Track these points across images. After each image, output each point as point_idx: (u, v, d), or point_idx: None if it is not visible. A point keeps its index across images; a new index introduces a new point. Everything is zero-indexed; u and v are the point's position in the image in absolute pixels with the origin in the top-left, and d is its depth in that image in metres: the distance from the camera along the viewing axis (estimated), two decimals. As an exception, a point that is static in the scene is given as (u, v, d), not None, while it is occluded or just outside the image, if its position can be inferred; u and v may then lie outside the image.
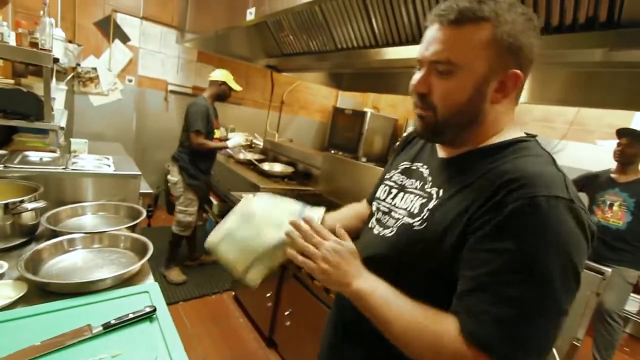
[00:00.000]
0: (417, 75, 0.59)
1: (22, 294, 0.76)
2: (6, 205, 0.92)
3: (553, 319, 0.48)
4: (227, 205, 3.05)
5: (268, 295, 1.86)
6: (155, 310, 0.76)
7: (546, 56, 1.43)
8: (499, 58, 0.53)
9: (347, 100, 5.10)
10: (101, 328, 0.68)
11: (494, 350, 0.47)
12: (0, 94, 1.35)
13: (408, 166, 0.73)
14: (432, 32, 0.56)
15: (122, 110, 3.29)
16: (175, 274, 2.47)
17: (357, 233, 0.79)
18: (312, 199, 2.45)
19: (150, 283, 0.90)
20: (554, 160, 0.56)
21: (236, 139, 2.51)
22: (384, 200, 0.73)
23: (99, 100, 3.12)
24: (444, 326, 0.51)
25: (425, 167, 0.68)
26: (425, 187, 0.64)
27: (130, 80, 3.27)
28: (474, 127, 0.58)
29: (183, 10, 3.26)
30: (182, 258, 2.69)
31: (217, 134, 2.57)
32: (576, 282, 0.49)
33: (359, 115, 4.49)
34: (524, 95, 1.84)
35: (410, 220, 0.61)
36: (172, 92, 3.54)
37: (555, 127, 2.87)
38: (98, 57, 3.04)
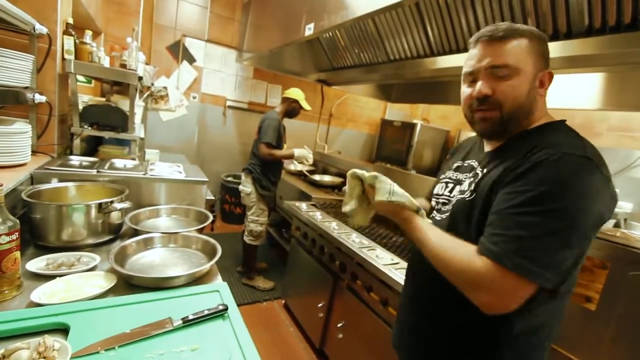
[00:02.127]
0: (467, 89, 0.75)
1: (112, 284, 0.83)
2: (100, 204, 1.03)
3: (561, 244, 0.58)
4: (278, 215, 3.14)
5: (320, 305, 1.84)
6: (227, 308, 0.79)
7: (623, 56, 1.28)
8: (537, 61, 0.69)
9: (396, 112, 5.02)
10: (181, 322, 0.72)
11: (501, 260, 0.59)
12: (95, 109, 1.55)
13: (460, 164, 0.86)
14: (481, 49, 0.71)
15: (186, 124, 3.58)
16: (262, 282, 2.60)
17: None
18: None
19: (219, 283, 0.94)
20: (578, 134, 0.68)
21: (303, 151, 2.61)
22: (442, 194, 0.85)
23: (167, 115, 3.44)
24: (467, 246, 0.66)
25: (474, 161, 0.81)
26: (476, 171, 0.77)
27: (194, 97, 3.56)
28: (528, 117, 0.71)
29: (242, 32, 3.51)
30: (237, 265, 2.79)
31: (284, 148, 2.69)
32: (591, 226, 0.60)
33: (409, 127, 4.39)
34: (598, 101, 1.67)
35: (462, 196, 0.76)
36: (230, 107, 3.78)
37: (637, 136, 2.52)
38: (168, 77, 3.37)
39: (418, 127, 4.29)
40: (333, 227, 1.82)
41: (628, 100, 1.59)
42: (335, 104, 4.46)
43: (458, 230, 0.73)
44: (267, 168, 2.52)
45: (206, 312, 0.75)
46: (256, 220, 2.53)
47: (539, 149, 0.63)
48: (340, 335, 1.66)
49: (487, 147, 0.80)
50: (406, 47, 2.14)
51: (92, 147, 1.94)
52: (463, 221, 0.74)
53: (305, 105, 2.64)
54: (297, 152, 2.64)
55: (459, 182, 0.82)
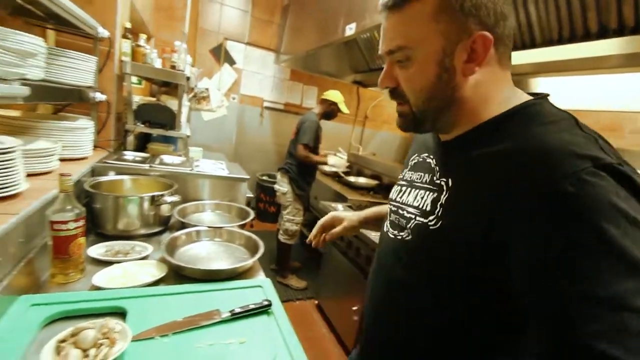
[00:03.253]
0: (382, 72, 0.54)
1: (164, 273, 0.87)
2: (153, 197, 1.08)
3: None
4: (312, 215, 3.14)
5: (355, 308, 1.81)
6: (271, 304, 0.79)
7: None
8: (455, 25, 0.46)
9: (433, 114, 4.87)
10: (228, 314, 0.73)
11: None
12: (147, 108, 1.64)
13: (416, 160, 0.65)
14: (383, 24, 0.52)
15: (226, 124, 3.71)
16: (295, 281, 2.63)
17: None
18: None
19: (262, 279, 0.95)
20: (576, 121, 0.45)
21: (337, 160, 2.63)
22: (394, 200, 0.65)
23: (209, 115, 3.58)
24: None
25: (431, 156, 0.60)
26: (435, 179, 0.55)
27: (233, 98, 3.68)
28: (455, 107, 0.51)
29: (280, 35, 3.58)
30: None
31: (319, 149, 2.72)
32: None
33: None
34: (625, 101, 1.50)
35: (423, 220, 0.53)
36: (267, 108, 3.87)
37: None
38: (210, 78, 3.51)
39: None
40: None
41: None
42: (370, 106, 4.41)
43: (417, 273, 0.53)
44: (303, 168, 2.54)
45: (252, 306, 0.76)
46: (292, 220, 2.56)
47: (534, 167, 0.41)
48: (376, 340, 1.62)
49: (443, 136, 0.58)
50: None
51: (141, 144, 2.06)
52: (425, 262, 0.52)
53: (343, 108, 2.63)
54: (331, 160, 2.67)
55: (411, 184, 0.61)
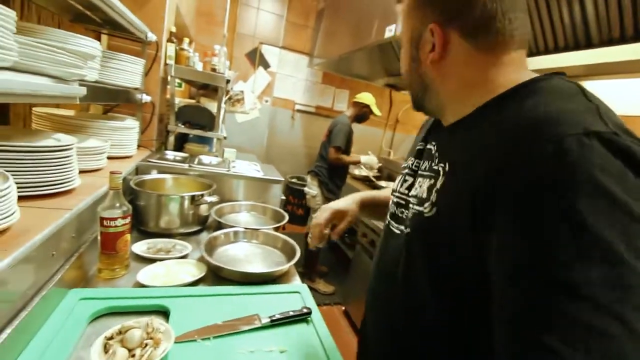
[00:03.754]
0: None
1: (203, 273, 0.87)
2: (193, 196, 1.10)
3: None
4: (340, 220, 3.11)
5: (385, 318, 1.75)
6: (311, 312, 0.76)
7: None
8: (419, 17, 0.49)
9: (468, 119, 4.69)
10: (268, 320, 0.71)
11: None
12: (188, 110, 1.69)
13: (421, 147, 0.60)
14: None
15: (258, 126, 3.77)
16: (323, 285, 2.61)
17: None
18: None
19: (299, 284, 0.93)
20: (582, 90, 0.39)
21: (370, 158, 2.59)
22: (398, 190, 0.61)
23: (242, 117, 3.66)
24: None
25: (434, 143, 0.55)
26: (433, 165, 0.52)
27: (266, 101, 3.74)
28: (431, 93, 0.52)
29: (314, 38, 3.59)
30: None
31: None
32: None
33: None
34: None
35: (420, 208, 0.49)
36: (298, 110, 3.89)
37: None
38: (245, 81, 3.59)
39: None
40: (405, 237, 1.72)
41: None
42: (402, 110, 4.31)
43: (415, 268, 0.49)
44: (334, 171, 2.51)
45: (292, 313, 0.74)
46: None
47: (521, 133, 0.36)
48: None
49: (445, 122, 0.55)
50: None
51: (179, 144, 2.13)
52: (421, 255, 0.48)
53: (376, 110, 2.59)
54: (364, 159, 2.61)
55: (416, 174, 0.57)
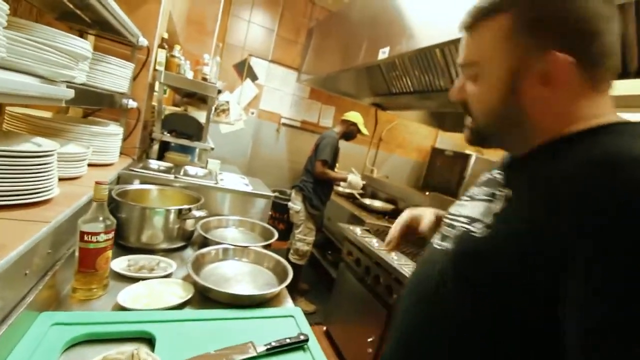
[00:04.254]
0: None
1: (191, 295, 0.81)
2: (180, 210, 1.04)
3: None
4: (323, 235, 3.07)
5: (370, 340, 1.71)
6: (308, 339, 0.72)
7: None
8: (528, 45, 0.43)
9: (447, 140, 4.84)
10: (264, 349, 0.66)
11: None
12: (175, 118, 1.63)
13: (487, 177, 0.59)
14: (461, 39, 0.52)
15: (242, 138, 3.71)
16: (304, 304, 2.52)
17: None
18: (418, 241, 2.27)
19: (294, 308, 0.88)
20: None
21: (356, 179, 2.59)
22: (450, 213, 0.61)
23: (227, 128, 3.59)
24: None
25: (500, 172, 0.55)
26: (496, 192, 0.50)
27: (252, 113, 3.70)
28: (523, 129, 0.48)
29: (303, 55, 3.64)
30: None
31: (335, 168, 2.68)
32: None
33: (461, 157, 4.18)
34: None
35: (468, 227, 0.49)
36: (284, 124, 3.87)
37: None
38: (231, 92, 3.54)
39: (472, 159, 4.08)
40: (392, 256, 1.71)
41: None
42: (386, 129, 4.41)
43: (451, 284, 0.48)
44: (319, 187, 2.49)
45: (288, 340, 0.69)
46: (303, 239, 2.49)
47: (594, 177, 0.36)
48: (393, 378, 1.51)
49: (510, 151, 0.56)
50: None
51: (160, 152, 2.05)
52: (461, 272, 0.47)
53: (363, 129, 2.63)
54: (350, 177, 2.61)
55: (472, 198, 0.56)
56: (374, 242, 1.90)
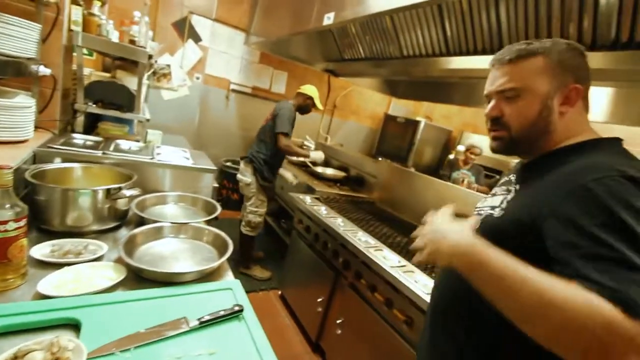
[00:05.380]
0: (489, 105, 0.73)
1: (123, 277, 0.80)
2: (108, 190, 0.98)
3: None
4: (277, 204, 3.11)
5: (319, 300, 1.84)
6: (242, 309, 0.76)
7: (633, 73, 1.28)
8: (557, 77, 0.66)
9: (399, 107, 4.98)
10: (197, 322, 0.69)
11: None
12: (100, 86, 1.47)
13: (505, 179, 0.82)
14: (494, 72, 0.72)
15: (188, 105, 3.48)
16: (259, 271, 2.57)
17: None
18: (366, 207, 2.40)
19: (232, 280, 0.91)
20: (626, 153, 0.63)
21: (319, 155, 2.64)
22: (477, 207, 0.82)
23: (169, 95, 3.34)
24: (586, 294, 0.45)
25: (513, 175, 0.79)
26: (509, 187, 0.75)
27: (197, 78, 3.46)
28: (545, 137, 0.69)
29: (251, 15, 3.40)
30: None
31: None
32: None
33: (412, 124, 4.35)
34: (604, 115, 1.67)
35: (491, 212, 0.72)
36: (234, 90, 3.69)
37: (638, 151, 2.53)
38: (172, 54, 3.25)
39: (421, 125, 4.27)
40: (339, 223, 1.80)
41: (633, 115, 1.60)
42: (340, 96, 4.39)
43: None
44: (272, 158, 2.46)
45: (222, 312, 0.73)
46: (255, 212, 2.49)
47: (579, 174, 0.57)
48: (339, 331, 1.66)
49: (524, 159, 0.78)
50: (421, 42, 2.08)
51: (91, 123, 1.86)
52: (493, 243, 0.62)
53: (318, 104, 2.60)
54: (313, 154, 2.64)
55: (494, 195, 0.79)
56: (322, 210, 1.98)
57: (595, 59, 1.26)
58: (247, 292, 2.70)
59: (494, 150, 0.76)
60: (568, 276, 0.48)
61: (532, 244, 0.58)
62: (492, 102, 0.72)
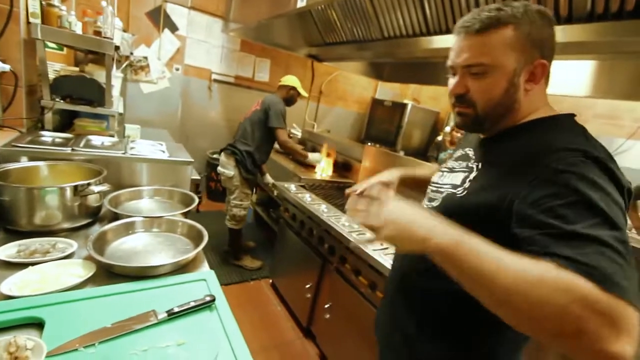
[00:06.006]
0: (452, 80, 0.70)
1: (91, 273, 0.79)
2: (75, 187, 0.96)
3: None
4: (266, 194, 3.09)
5: (308, 286, 1.85)
6: (214, 299, 0.76)
7: (618, 44, 1.27)
8: (525, 53, 0.63)
9: (387, 91, 4.93)
10: (165, 315, 0.69)
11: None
12: (67, 81, 1.42)
13: (460, 153, 0.82)
14: (460, 41, 0.66)
15: (169, 98, 3.41)
16: (250, 261, 2.57)
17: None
18: (352, 192, 2.39)
19: (206, 271, 0.91)
20: (584, 130, 0.63)
21: (317, 157, 2.69)
22: (434, 182, 0.82)
23: (149, 88, 3.26)
24: (562, 272, 0.44)
25: (470, 149, 0.78)
26: (469, 164, 0.74)
27: (177, 69, 3.37)
28: (509, 114, 0.67)
29: (228, 0, 3.29)
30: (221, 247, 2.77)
31: None
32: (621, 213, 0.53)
33: (399, 107, 4.32)
34: (586, 89, 1.67)
35: (453, 190, 0.71)
36: (216, 80, 3.61)
37: (623, 124, 2.56)
38: (149, 46, 3.16)
39: (409, 108, 4.24)
40: (322, 209, 1.80)
41: (616, 88, 1.60)
42: (325, 81, 4.33)
43: None
44: (257, 151, 2.41)
45: (192, 303, 0.72)
46: (240, 205, 2.45)
47: (544, 156, 0.58)
48: (327, 316, 1.69)
49: (482, 135, 0.76)
50: (401, 23, 2.05)
51: (66, 121, 1.81)
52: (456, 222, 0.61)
53: (303, 92, 2.56)
54: (311, 156, 2.68)
55: (452, 170, 0.78)
56: (307, 198, 1.97)
57: (576, 32, 1.24)
58: (239, 282, 2.72)
59: (459, 126, 0.74)
60: (541, 255, 0.48)
61: (501, 224, 0.58)
62: (457, 78, 0.68)
